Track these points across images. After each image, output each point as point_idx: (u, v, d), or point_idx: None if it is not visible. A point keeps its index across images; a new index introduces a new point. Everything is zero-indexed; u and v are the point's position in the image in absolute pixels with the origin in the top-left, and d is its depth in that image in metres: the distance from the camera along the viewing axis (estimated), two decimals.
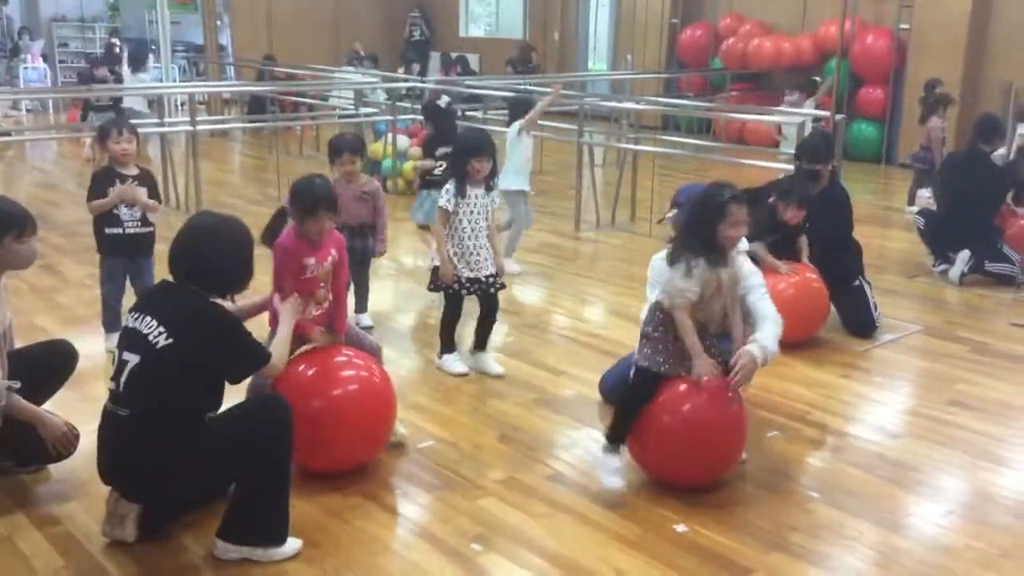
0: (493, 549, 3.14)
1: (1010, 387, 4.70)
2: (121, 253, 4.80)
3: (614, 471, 3.50)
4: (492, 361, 4.76)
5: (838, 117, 6.54)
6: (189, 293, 3.03)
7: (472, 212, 4.52)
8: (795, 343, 4.91)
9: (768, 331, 3.63)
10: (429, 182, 6.26)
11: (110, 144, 4.77)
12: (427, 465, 3.73)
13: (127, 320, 3.07)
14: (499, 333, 5.31)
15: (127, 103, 10.82)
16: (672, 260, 3.48)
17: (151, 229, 4.86)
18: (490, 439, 3.99)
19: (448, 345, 4.77)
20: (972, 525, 3.38)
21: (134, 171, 4.81)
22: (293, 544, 3.06)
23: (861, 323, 5.38)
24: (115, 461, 3.01)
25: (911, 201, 8.67)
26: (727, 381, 3.44)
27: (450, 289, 4.60)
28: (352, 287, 5.14)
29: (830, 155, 5.57)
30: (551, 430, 4.10)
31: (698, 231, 3.43)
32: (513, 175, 6.48)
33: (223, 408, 3.11)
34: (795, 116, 7.35)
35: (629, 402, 3.55)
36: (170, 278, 3.10)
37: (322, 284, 3.61)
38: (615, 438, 3.54)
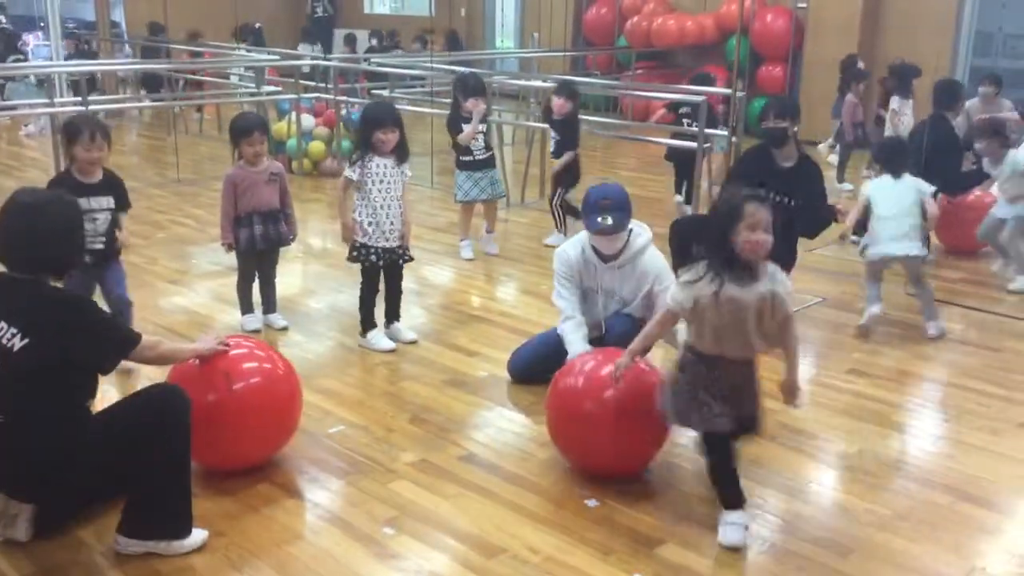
0: (405, 532, 3.13)
1: (904, 355, 4.89)
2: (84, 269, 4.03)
3: (729, 524, 3.13)
4: (405, 329, 4.86)
5: (739, 94, 6.66)
6: (30, 284, 2.80)
7: (380, 181, 4.57)
8: None
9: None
10: (463, 163, 6.52)
11: (78, 150, 4.13)
12: (337, 450, 3.69)
13: None
14: (410, 314, 5.27)
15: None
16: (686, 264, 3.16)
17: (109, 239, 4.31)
18: (402, 421, 3.96)
19: (369, 322, 4.77)
20: (870, 490, 3.50)
21: (98, 177, 4.23)
22: (198, 535, 2.98)
23: None
24: None
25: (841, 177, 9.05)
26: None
27: (366, 261, 4.65)
28: (258, 283, 5.02)
29: (796, 113, 5.20)
30: (463, 411, 4.09)
31: (718, 240, 3.00)
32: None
33: (116, 399, 2.98)
34: (695, 96, 7.43)
35: (711, 470, 3.21)
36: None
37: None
38: (728, 504, 3.18)
